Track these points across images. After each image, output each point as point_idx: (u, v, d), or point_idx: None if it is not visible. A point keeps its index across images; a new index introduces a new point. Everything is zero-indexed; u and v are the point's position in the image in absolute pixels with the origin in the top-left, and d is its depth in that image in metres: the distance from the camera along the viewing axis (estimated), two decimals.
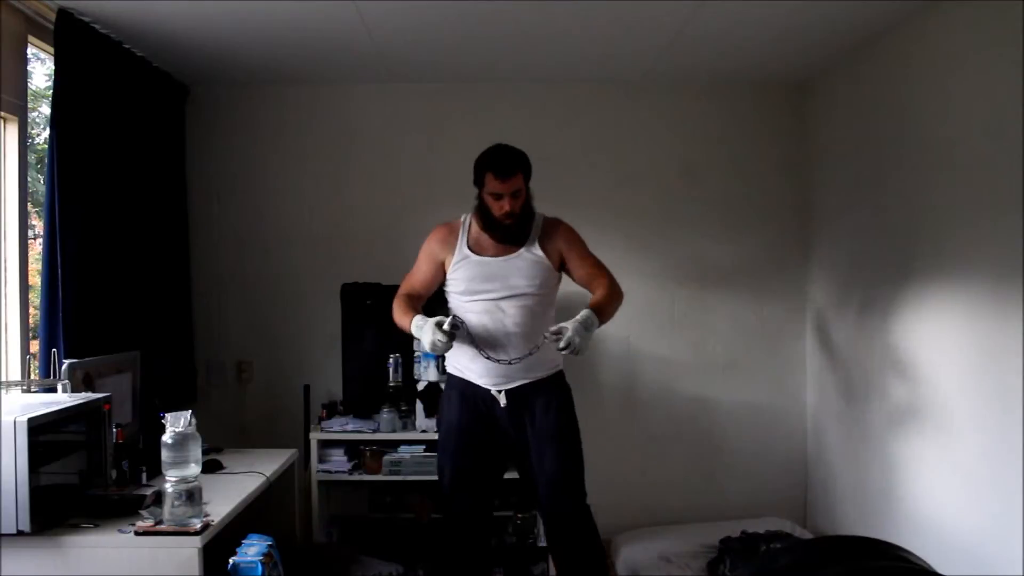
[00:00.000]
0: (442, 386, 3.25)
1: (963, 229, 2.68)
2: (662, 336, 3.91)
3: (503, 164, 2.48)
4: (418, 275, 2.64)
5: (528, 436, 2.55)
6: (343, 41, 3.22)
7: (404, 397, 3.35)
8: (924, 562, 1.59)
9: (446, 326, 2.36)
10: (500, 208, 2.48)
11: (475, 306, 2.51)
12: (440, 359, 3.25)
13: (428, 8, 2.86)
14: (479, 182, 2.53)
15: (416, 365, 3.33)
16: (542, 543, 3.36)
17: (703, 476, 3.91)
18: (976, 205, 2.60)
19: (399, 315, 2.52)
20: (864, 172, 3.36)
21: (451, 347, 2.38)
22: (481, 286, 2.51)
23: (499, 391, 2.52)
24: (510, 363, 2.47)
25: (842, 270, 3.58)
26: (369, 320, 3.49)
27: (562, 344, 2.29)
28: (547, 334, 2.33)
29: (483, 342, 2.49)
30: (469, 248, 2.56)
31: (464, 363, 2.57)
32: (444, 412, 2.67)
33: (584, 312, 2.34)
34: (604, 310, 2.40)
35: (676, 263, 3.76)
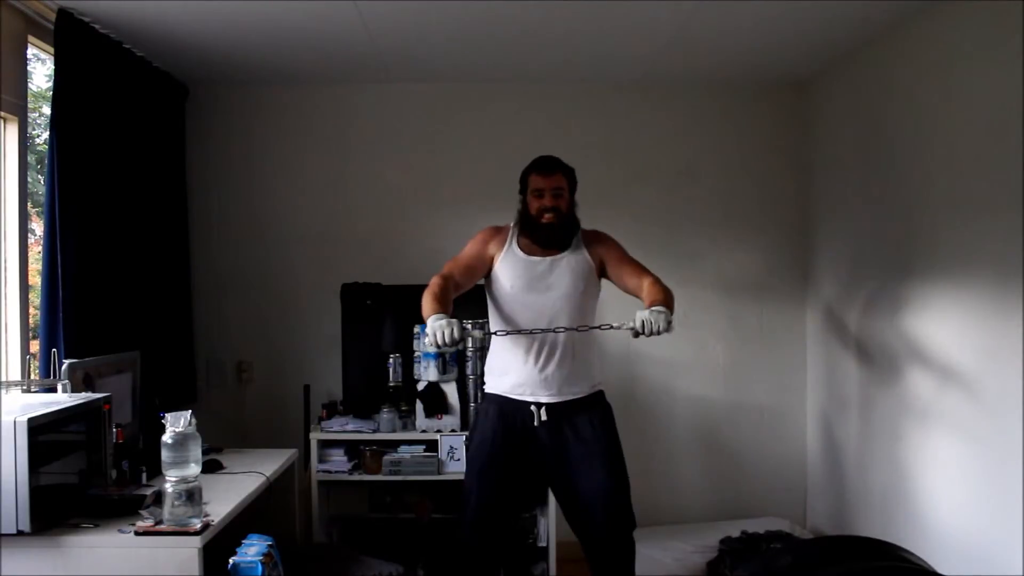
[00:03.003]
0: (442, 386, 3.28)
1: (963, 228, 2.67)
2: (662, 336, 3.89)
3: (546, 163, 2.57)
4: (463, 260, 2.56)
5: (570, 452, 2.49)
6: (343, 41, 3.22)
7: (404, 397, 3.35)
8: (924, 562, 1.59)
9: (467, 324, 2.35)
10: (541, 204, 2.51)
11: (517, 304, 2.51)
12: (445, 363, 3.27)
13: (428, 8, 2.86)
14: (523, 188, 2.58)
15: (416, 365, 3.33)
16: (542, 543, 3.36)
17: (703, 476, 3.91)
18: (976, 204, 2.60)
19: (429, 299, 2.36)
20: (864, 172, 3.36)
21: (452, 345, 2.23)
22: (526, 284, 2.50)
23: (539, 406, 2.48)
24: (555, 331, 2.42)
25: (842, 270, 3.58)
26: (369, 320, 3.48)
27: (635, 324, 2.27)
28: (608, 325, 2.34)
29: (525, 324, 2.47)
30: (517, 247, 2.57)
31: (501, 381, 2.54)
32: (478, 426, 2.59)
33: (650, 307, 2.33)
34: (667, 303, 2.37)
35: (676, 263, 3.75)
